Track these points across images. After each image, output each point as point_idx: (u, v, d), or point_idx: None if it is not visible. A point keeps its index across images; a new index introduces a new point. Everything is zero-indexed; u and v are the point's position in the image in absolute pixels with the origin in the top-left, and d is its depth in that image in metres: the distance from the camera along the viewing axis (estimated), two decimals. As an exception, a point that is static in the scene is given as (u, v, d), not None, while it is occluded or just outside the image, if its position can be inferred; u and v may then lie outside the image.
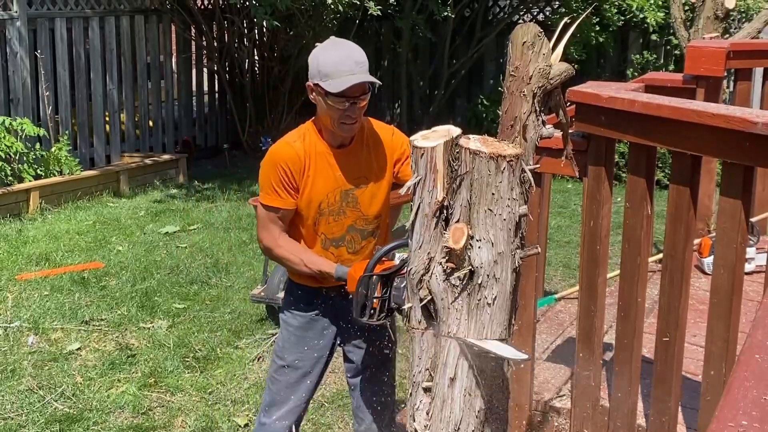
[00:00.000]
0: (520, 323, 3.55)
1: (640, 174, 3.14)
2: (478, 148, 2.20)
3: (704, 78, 4.69)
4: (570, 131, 3.40)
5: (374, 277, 2.83)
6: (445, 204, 2.27)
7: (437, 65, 12.12)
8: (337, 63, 2.99)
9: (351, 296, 3.12)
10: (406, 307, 2.73)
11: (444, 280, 2.28)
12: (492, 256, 2.22)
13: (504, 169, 2.20)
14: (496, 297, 2.25)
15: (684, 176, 2.97)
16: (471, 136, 2.28)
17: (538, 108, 2.33)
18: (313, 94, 3.05)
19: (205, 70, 12.30)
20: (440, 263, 2.29)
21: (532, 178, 2.28)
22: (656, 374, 3.16)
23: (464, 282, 2.25)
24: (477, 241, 2.22)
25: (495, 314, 2.27)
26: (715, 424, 0.82)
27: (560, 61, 2.38)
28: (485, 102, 11.68)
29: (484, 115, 11.62)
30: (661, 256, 3.32)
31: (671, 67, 10.63)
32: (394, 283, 2.82)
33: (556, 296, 5.32)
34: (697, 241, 5.17)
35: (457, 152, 2.27)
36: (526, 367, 3.60)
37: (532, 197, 3.39)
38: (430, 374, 2.37)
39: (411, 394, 2.42)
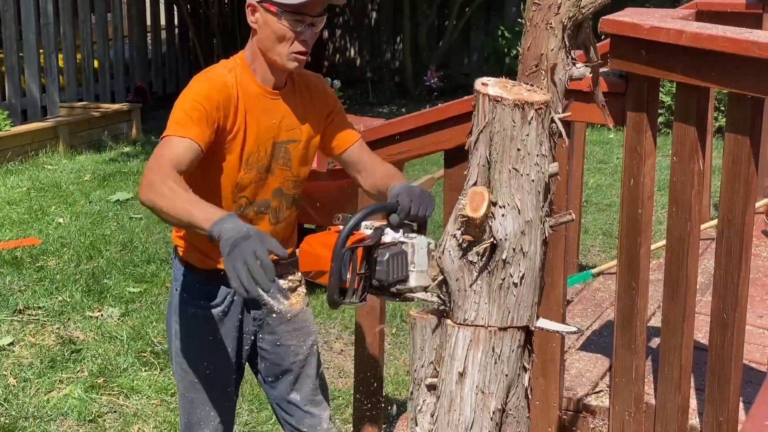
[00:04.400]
0: (547, 305, 3.57)
1: (690, 121, 3.14)
2: (498, 94, 2.22)
3: (774, 0, 4.69)
4: (602, 70, 3.41)
5: (356, 249, 2.77)
6: None
7: (447, -11, 12.10)
8: None
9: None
10: (414, 291, 2.76)
11: (460, 257, 2.29)
12: (518, 225, 2.24)
13: (531, 119, 2.22)
14: (524, 275, 2.28)
15: (743, 123, 2.98)
16: (488, 79, 2.29)
17: (568, 43, 2.34)
18: (257, 14, 3.02)
19: (161, 0, 12.28)
20: (454, 236, 2.30)
21: (563, 130, 2.30)
22: (711, 364, 3.18)
23: (484, 258, 2.27)
24: (500, 207, 2.24)
25: (522, 296, 2.29)
26: (750, 422, 0.84)
27: None
28: (507, 34, 11.66)
29: (506, 50, 11.61)
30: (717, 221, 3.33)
31: (735, -12, 10.61)
32: (376, 257, 2.80)
33: (593, 271, 5.35)
34: (762, 202, 5.19)
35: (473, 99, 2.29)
36: (554, 358, 3.63)
37: (561, 152, 3.41)
38: (435, 369, 2.40)
39: (412, 393, 2.45)
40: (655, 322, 3.82)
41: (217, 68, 3.09)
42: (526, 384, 2.42)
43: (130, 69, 11.81)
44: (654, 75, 3.26)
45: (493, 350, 2.34)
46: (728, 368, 3.14)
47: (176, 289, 3.24)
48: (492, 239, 2.25)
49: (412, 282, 2.79)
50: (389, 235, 2.84)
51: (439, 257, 2.34)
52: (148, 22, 12.20)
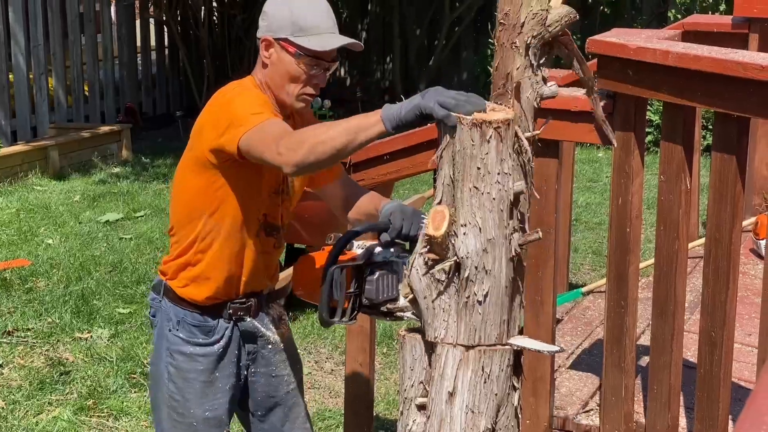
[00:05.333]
0: (537, 323, 3.58)
1: (677, 140, 3.16)
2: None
3: (758, 21, 4.71)
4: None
5: (345, 268, 2.78)
6: None
7: (437, 10, 12.13)
8: (318, 17, 2.99)
9: (262, 312, 3.16)
10: (405, 310, 2.77)
11: (426, 274, 2.31)
12: (480, 243, 2.26)
13: (490, 137, 2.25)
14: (487, 293, 2.29)
15: (729, 142, 3.00)
16: None
17: (534, 62, 2.36)
18: (271, 50, 2.98)
19: (151, 21, 12.29)
20: (421, 254, 2.32)
21: (529, 148, 2.31)
22: (701, 382, 3.20)
23: (450, 276, 2.29)
24: (462, 226, 2.26)
25: (488, 314, 2.31)
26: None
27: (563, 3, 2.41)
28: (496, 53, 11.70)
29: (496, 69, 11.65)
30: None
31: (722, 7, 10.64)
32: (366, 276, 2.81)
33: (583, 290, 5.35)
34: (751, 219, 5.20)
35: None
36: (544, 377, 3.64)
37: (549, 170, 3.43)
38: (425, 388, 2.41)
39: (402, 412, 2.46)
40: (645, 340, 3.83)
41: (244, 85, 3.02)
42: (516, 403, 2.42)
43: (120, 90, 11.82)
44: (641, 95, 3.29)
45: (483, 370, 2.34)
46: (717, 386, 3.15)
47: (169, 330, 3.10)
48: (455, 257, 2.27)
49: (403, 301, 2.79)
50: (380, 255, 2.84)
51: (408, 275, 2.36)
52: (138, 43, 12.22)
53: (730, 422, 3.26)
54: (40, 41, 10.54)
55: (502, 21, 2.34)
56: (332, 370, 5.38)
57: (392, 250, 2.86)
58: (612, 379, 3.52)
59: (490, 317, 2.30)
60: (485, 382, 2.35)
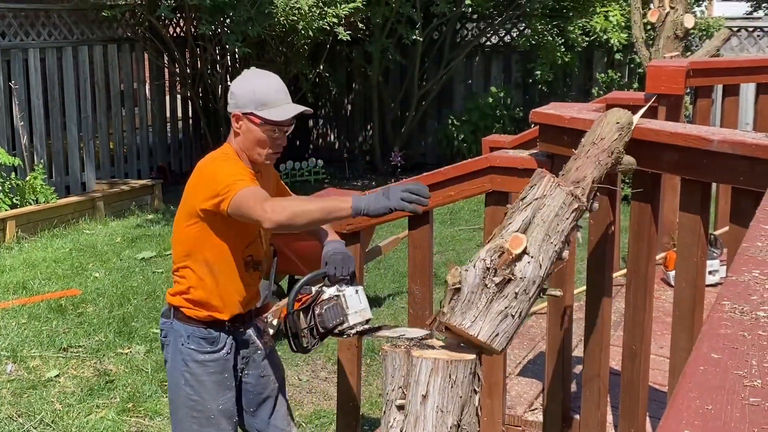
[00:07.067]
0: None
1: (603, 192, 3.17)
2: (559, 181, 2.41)
3: (665, 96, 4.75)
4: (532, 151, 3.46)
5: (295, 313, 3.00)
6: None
7: (408, 88, 12.19)
8: (275, 92, 3.03)
9: (251, 325, 3.23)
10: (353, 327, 2.91)
11: (482, 278, 2.31)
12: (535, 275, 2.29)
13: (574, 210, 2.37)
14: (520, 312, 2.30)
15: (645, 193, 3.02)
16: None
17: (601, 181, 2.55)
18: (240, 123, 3.03)
19: (178, 96, 12.31)
20: (484, 260, 2.32)
21: (580, 236, 2.49)
22: (623, 386, 3.20)
23: (498, 287, 2.28)
24: (530, 257, 2.28)
25: (510, 328, 2.30)
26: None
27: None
28: (455, 122, 11.75)
29: (455, 134, 11.70)
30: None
31: (635, 85, 10.75)
32: (316, 312, 2.96)
33: (527, 312, 5.35)
34: (662, 254, 5.23)
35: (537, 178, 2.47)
36: (498, 382, 3.63)
37: (498, 216, 3.43)
38: (403, 392, 2.39)
39: (385, 412, 2.44)
40: (578, 352, 3.83)
41: (226, 153, 3.08)
42: (477, 404, 2.41)
43: (153, 152, 11.79)
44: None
45: (450, 377, 2.33)
46: (637, 389, 3.15)
47: (182, 344, 3.11)
48: (512, 275, 2.28)
49: (351, 321, 2.96)
50: (327, 292, 3.00)
51: (465, 270, 2.34)
52: (168, 114, 12.22)
53: (648, 418, 3.26)
54: (89, 113, 10.53)
55: (595, 142, 2.62)
56: (326, 377, 5.36)
57: (336, 286, 2.99)
58: (553, 383, 3.51)
59: (509, 330, 2.30)
60: (452, 387, 2.34)
